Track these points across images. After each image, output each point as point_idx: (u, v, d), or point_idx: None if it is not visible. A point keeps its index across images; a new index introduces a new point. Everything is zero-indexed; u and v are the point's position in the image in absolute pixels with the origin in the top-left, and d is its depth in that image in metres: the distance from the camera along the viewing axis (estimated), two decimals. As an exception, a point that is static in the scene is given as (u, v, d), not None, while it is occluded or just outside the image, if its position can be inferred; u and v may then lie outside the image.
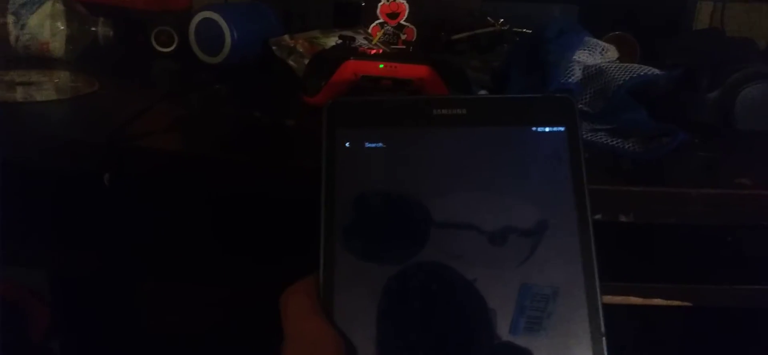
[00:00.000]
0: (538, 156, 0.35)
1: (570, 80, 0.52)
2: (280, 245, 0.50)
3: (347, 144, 0.35)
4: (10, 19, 0.63)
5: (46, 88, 0.55)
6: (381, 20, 0.79)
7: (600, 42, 0.56)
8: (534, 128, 0.36)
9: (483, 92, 0.57)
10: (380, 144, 0.36)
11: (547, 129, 0.35)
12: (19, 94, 0.53)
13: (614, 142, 0.48)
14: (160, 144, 0.45)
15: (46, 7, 0.64)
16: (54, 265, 0.54)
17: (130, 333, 0.78)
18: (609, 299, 0.49)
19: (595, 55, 0.54)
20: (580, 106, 0.52)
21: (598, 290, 0.33)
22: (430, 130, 0.36)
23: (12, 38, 0.64)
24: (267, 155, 0.44)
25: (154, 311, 0.78)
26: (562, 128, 0.35)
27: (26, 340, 0.63)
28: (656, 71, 0.52)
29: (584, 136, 0.50)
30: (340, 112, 0.36)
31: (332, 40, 0.68)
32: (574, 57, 0.53)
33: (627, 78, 0.51)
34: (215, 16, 0.63)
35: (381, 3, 0.78)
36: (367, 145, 0.36)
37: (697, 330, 0.77)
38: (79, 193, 0.51)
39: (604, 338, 0.32)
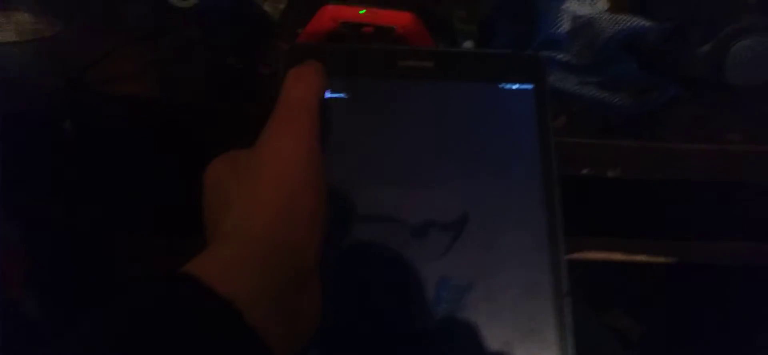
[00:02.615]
0: (505, 113, 0.34)
1: (558, 31, 0.50)
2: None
3: None
4: (-34, -45, 0.59)
5: (5, 29, 0.52)
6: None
7: (590, -10, 0.53)
8: (502, 85, 0.35)
9: (468, 43, 0.55)
10: (342, 94, 0.34)
11: (514, 86, 0.35)
12: (-24, 36, 0.49)
13: (602, 96, 0.47)
14: (126, 89, 0.42)
15: (5, -57, 0.60)
16: (19, 214, 0.52)
17: (107, 285, 0.76)
18: (592, 255, 0.48)
19: (584, 4, 0.52)
20: (568, 58, 0.51)
21: (561, 249, 0.32)
22: (396, 82, 0.34)
23: (-32, -24, 0.60)
24: (240, 103, 0.42)
25: (129, 263, 0.77)
26: (530, 86, 0.35)
27: (1, 294, 0.61)
28: (647, 23, 0.50)
29: (572, 90, 0.48)
30: (300, 58, 0.34)
31: (311, -15, 0.65)
32: (563, 6, 0.51)
33: (617, 30, 0.49)
34: (187, -44, 0.60)
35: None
36: (329, 94, 0.34)
37: (681, 288, 0.77)
38: (43, 140, 0.49)
39: (567, 298, 0.32)
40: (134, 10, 0.64)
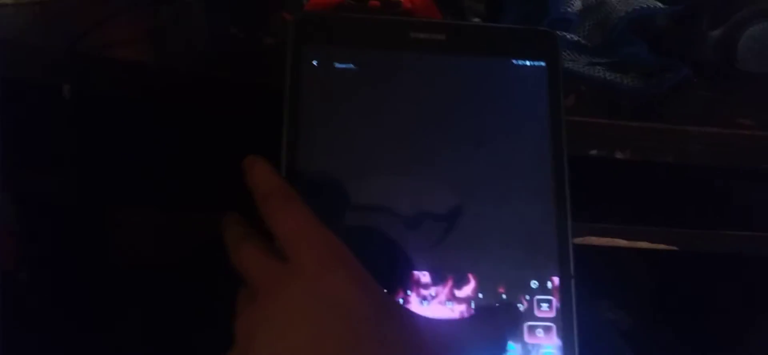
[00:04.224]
0: (517, 89, 0.34)
1: (569, 10, 0.49)
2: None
3: (315, 62, 0.33)
4: None
5: (1, -8, 0.51)
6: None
7: (602, -30, 0.53)
8: (514, 61, 0.34)
9: (476, 20, 0.54)
10: (351, 65, 0.33)
11: (527, 62, 0.34)
12: (-29, -3, 0.48)
13: (612, 77, 0.46)
14: (126, 54, 0.41)
15: None
16: (13, 185, 0.51)
17: (101, 264, 0.76)
18: (595, 240, 0.47)
19: (597, -17, 0.51)
20: (578, 38, 0.50)
21: (569, 231, 0.32)
22: (406, 55, 0.34)
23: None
24: (243, 73, 0.41)
25: (125, 241, 0.76)
26: (542, 63, 0.34)
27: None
28: (658, 5, 0.49)
29: (581, 70, 0.47)
30: (309, 27, 0.33)
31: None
32: (575, -15, 0.50)
33: (628, 11, 0.49)
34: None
35: None
36: (337, 65, 0.33)
37: (672, 278, 0.77)
38: (40, 106, 0.47)
39: (572, 280, 0.31)
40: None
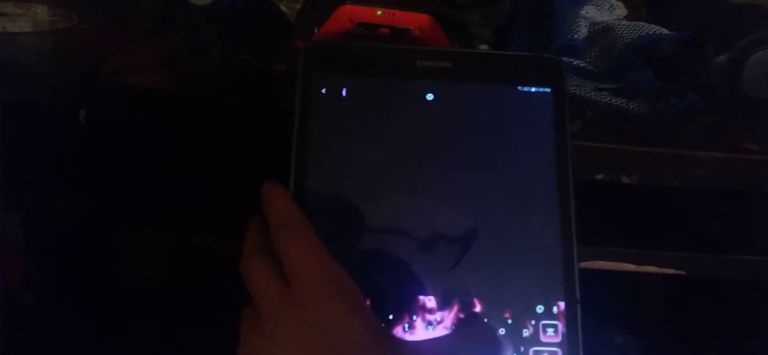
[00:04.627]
0: (522, 116, 0.34)
1: (576, 36, 0.50)
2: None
3: (324, 90, 0.34)
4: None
5: (21, 20, 0.52)
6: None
7: (608, -3, 0.53)
8: (520, 87, 0.35)
9: (483, 47, 0.54)
10: (359, 92, 0.34)
11: (532, 89, 0.34)
12: (-8, 26, 0.49)
13: (618, 102, 0.47)
14: (141, 81, 0.42)
15: (24, -63, 0.60)
16: (25, 207, 0.52)
17: (107, 286, 0.76)
18: (602, 264, 0.47)
19: (603, 11, 0.52)
20: (585, 64, 0.50)
21: (575, 256, 0.32)
22: (413, 82, 0.34)
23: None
24: (255, 98, 0.42)
25: (133, 263, 0.76)
26: (548, 89, 0.34)
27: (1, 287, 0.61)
28: (665, 31, 0.50)
29: (588, 96, 0.48)
30: (319, 55, 0.34)
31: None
32: (581, 12, 0.51)
33: (634, 37, 0.49)
34: (203, -46, 0.60)
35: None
36: (346, 92, 0.34)
37: (681, 303, 0.77)
38: (55, 130, 0.49)
39: (579, 305, 0.31)
40: (149, 7, 0.64)
